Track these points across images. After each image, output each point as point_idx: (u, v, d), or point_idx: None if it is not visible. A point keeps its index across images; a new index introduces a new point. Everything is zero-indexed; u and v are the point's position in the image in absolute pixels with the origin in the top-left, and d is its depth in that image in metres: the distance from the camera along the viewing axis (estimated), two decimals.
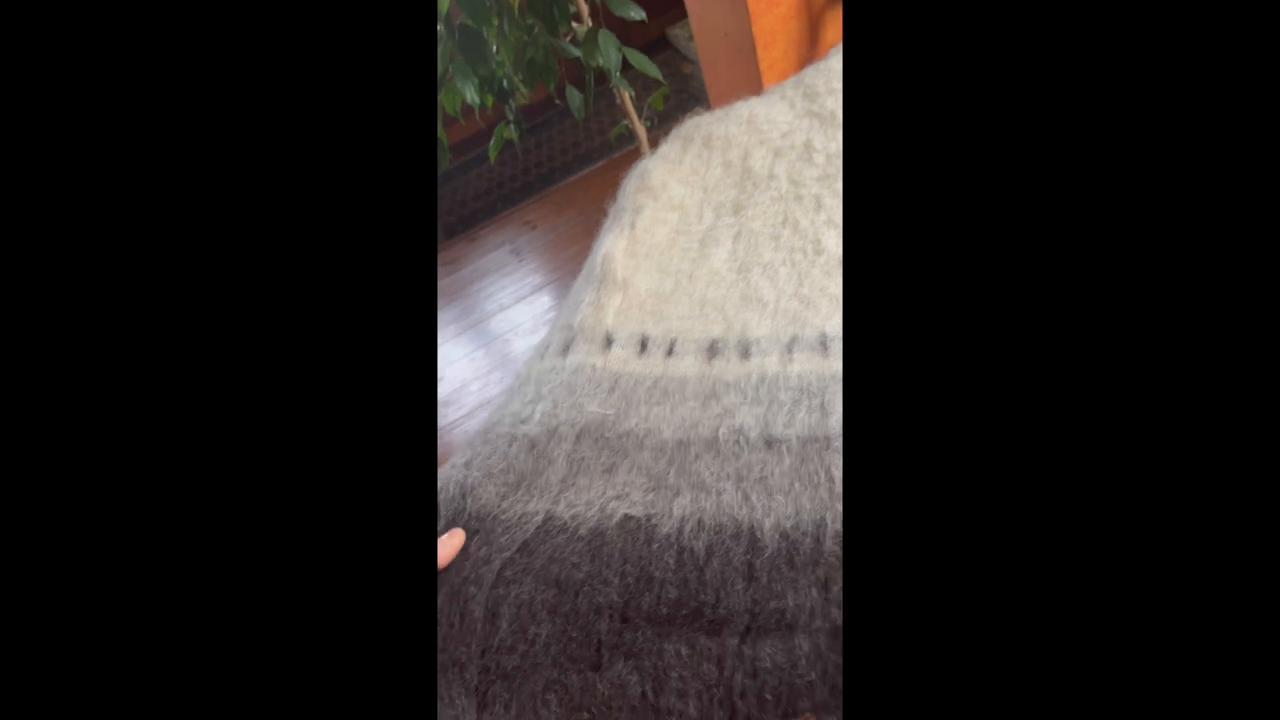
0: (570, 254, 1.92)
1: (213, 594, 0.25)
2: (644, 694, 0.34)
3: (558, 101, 1.19)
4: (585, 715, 0.34)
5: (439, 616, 0.38)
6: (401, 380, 0.27)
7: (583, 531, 0.40)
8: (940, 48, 0.25)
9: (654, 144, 1.25)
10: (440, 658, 0.37)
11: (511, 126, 1.17)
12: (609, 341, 0.53)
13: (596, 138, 2.17)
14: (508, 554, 0.40)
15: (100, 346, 0.24)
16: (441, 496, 0.45)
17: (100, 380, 0.24)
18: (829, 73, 0.72)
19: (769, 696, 0.34)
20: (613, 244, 0.58)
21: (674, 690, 0.34)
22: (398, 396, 0.27)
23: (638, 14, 0.97)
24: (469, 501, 0.44)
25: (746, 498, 0.40)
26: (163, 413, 0.25)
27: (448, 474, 0.46)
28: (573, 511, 0.42)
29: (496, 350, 1.74)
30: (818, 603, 0.35)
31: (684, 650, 0.35)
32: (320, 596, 0.25)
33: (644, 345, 0.52)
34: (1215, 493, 0.22)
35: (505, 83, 1.10)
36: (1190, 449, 0.22)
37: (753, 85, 1.14)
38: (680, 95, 2.09)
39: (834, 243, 0.57)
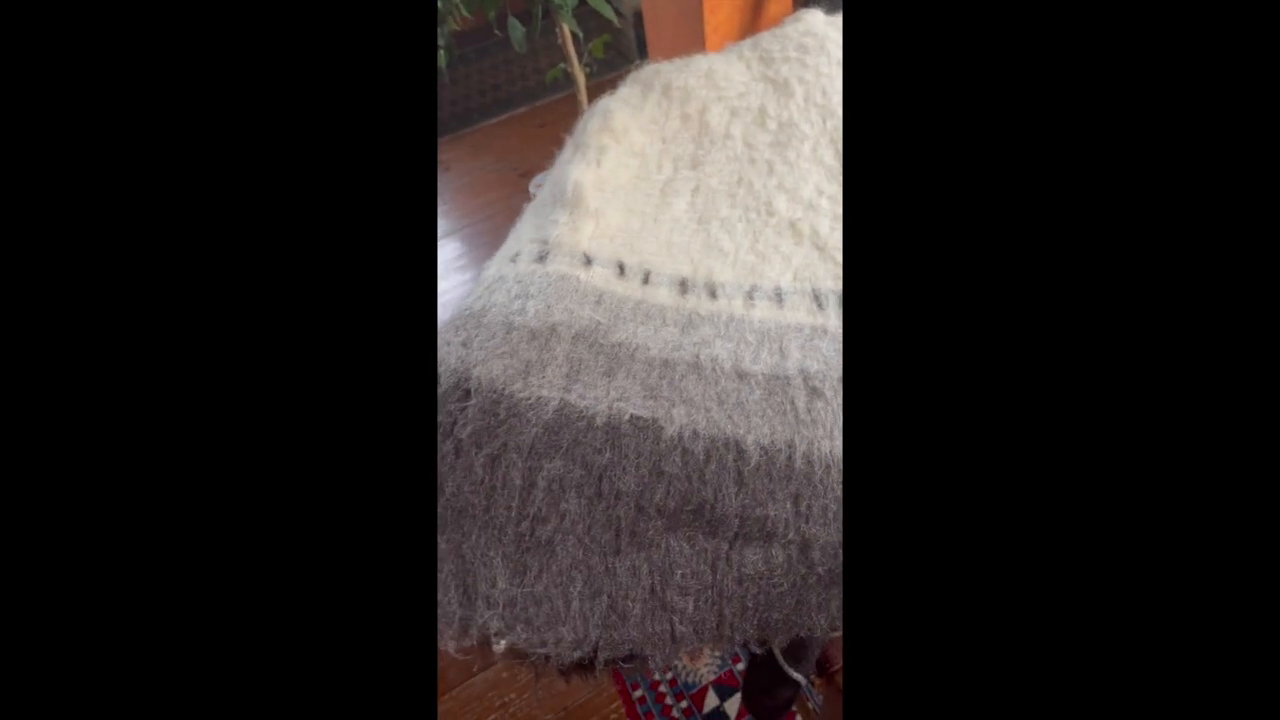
0: (484, 201, 1.84)
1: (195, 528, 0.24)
2: (653, 588, 0.39)
3: (497, 32, 1.14)
4: (604, 599, 0.39)
5: (480, 479, 0.41)
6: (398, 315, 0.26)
7: (599, 422, 0.43)
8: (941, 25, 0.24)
9: (591, 94, 1.22)
10: (483, 517, 0.40)
11: (441, 51, 1.10)
12: (588, 260, 0.54)
13: (519, 82, 2.08)
14: (536, 430, 0.43)
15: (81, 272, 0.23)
16: (440, 369, 0.46)
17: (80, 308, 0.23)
18: (784, 40, 0.73)
19: (749, 605, 0.39)
20: (582, 173, 0.58)
21: (677, 587, 0.39)
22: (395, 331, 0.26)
23: None
24: (476, 372, 0.45)
25: (730, 416, 0.44)
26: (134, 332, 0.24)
27: (443, 350, 0.48)
28: (584, 403, 0.44)
29: None
30: (790, 515, 0.40)
31: (686, 547, 0.40)
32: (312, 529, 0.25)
33: (622, 269, 0.54)
34: (1215, 494, 0.22)
35: (440, 2, 1.03)
36: (1189, 432, 0.23)
37: (695, 46, 1.13)
38: (608, 51, 2.04)
39: (784, 206, 0.59)
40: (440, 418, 0.44)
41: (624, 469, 0.41)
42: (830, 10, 0.77)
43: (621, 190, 0.59)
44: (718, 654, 0.95)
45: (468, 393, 0.45)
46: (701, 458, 0.42)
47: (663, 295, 0.52)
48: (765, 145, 0.64)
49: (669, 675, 0.92)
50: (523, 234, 0.57)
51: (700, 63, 0.69)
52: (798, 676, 0.48)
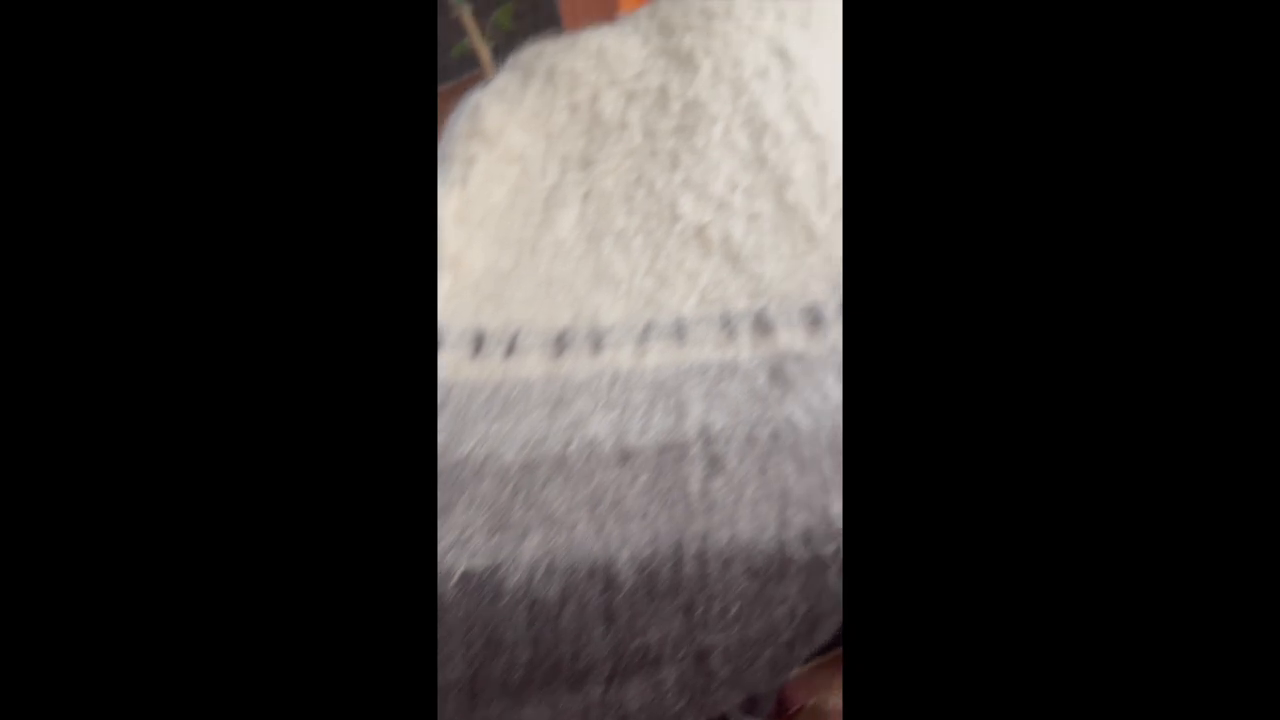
0: None
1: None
2: None
3: None
4: None
5: None
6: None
7: None
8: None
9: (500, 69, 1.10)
10: None
11: None
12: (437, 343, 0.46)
13: None
14: None
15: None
16: None
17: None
18: (686, 4, 0.64)
19: None
20: (440, 209, 0.49)
21: None
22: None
23: None
24: None
25: (601, 528, 0.36)
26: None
27: None
28: None
29: None
30: (681, 630, 0.34)
31: (545, 714, 0.33)
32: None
33: (479, 343, 0.45)
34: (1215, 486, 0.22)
35: None
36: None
37: (608, 8, 1.03)
38: (520, 21, 1.89)
39: (690, 208, 0.51)
40: None
41: (449, 655, 0.33)
42: None
43: (494, 214, 0.50)
44: None
45: None
46: (555, 605, 0.34)
47: (531, 365, 0.44)
48: (668, 133, 0.56)
49: None
50: None
51: (589, 40, 0.60)
52: None
